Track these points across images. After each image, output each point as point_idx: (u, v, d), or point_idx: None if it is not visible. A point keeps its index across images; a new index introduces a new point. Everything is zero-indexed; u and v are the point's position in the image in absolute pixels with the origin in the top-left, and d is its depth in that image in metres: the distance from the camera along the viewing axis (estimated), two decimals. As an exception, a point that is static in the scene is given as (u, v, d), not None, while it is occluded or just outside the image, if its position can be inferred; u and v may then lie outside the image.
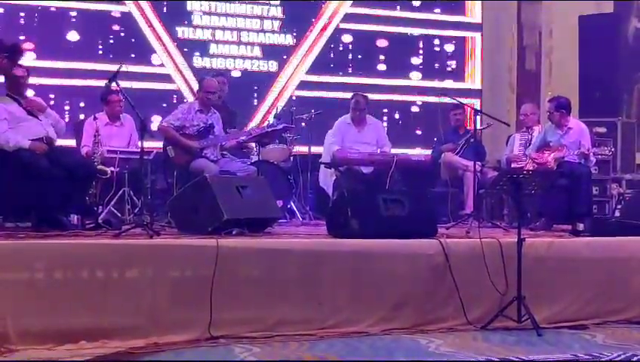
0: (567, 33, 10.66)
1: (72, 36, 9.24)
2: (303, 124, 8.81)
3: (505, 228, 6.82)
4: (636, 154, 10.13)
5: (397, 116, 10.57)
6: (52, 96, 8.80)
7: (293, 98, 9.91)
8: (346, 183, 7.81)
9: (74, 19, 9.25)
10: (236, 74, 9.76)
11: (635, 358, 4.44)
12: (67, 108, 9.08)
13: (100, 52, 9.30)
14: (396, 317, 5.13)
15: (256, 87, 9.93)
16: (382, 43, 10.51)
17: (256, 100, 9.91)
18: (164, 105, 9.30)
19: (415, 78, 10.63)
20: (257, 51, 9.93)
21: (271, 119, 8.95)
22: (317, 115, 8.77)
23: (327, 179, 8.46)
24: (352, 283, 5.10)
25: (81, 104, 8.99)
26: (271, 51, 9.99)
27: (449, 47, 10.87)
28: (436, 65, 10.80)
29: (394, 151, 8.43)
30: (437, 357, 4.39)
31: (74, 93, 9.14)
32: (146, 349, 4.41)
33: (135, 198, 7.07)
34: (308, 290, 4.99)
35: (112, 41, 9.40)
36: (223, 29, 9.81)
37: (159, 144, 7.33)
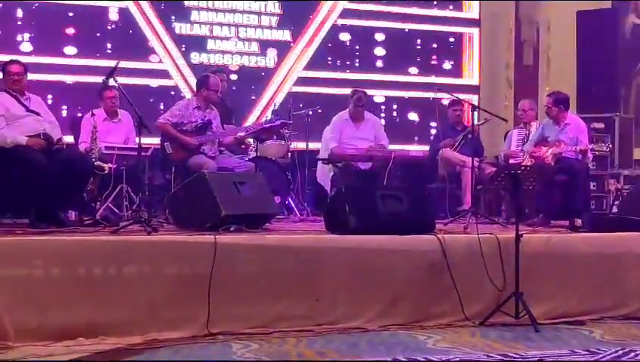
0: (565, 29, 10.67)
1: (70, 32, 9.22)
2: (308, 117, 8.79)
3: (503, 224, 6.82)
4: (634, 150, 10.14)
5: (395, 112, 10.56)
6: (50, 92, 8.77)
7: (291, 94, 9.90)
8: (343, 179, 7.81)
9: (72, 16, 9.23)
10: (234, 70, 9.74)
11: (632, 354, 4.44)
12: (65, 104, 9.07)
13: (98, 48, 9.28)
14: (394, 313, 5.13)
15: (253, 83, 9.92)
16: (379, 39, 10.51)
17: (253, 96, 9.90)
18: (162, 101, 9.28)
19: (413, 74, 10.63)
20: (255, 47, 9.93)
21: (269, 115, 8.94)
22: (315, 111, 8.78)
23: (325, 175, 8.47)
24: (349, 279, 5.11)
25: (79, 100, 8.96)
26: (269, 47, 9.98)
27: (447, 43, 10.86)
28: (434, 61, 10.80)
29: (391, 147, 8.43)
30: (435, 352, 4.40)
31: (72, 89, 9.13)
32: (144, 345, 4.42)
33: (133, 195, 7.06)
34: (306, 286, 4.99)
35: (109, 38, 9.39)
36: (221, 25, 9.80)
37: (157, 140, 7.32)
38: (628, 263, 5.77)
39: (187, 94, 9.09)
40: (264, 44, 9.95)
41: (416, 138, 10.48)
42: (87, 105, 7.90)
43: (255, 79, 9.93)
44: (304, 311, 4.94)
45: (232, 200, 5.65)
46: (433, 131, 9.80)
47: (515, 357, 4.32)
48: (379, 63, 10.47)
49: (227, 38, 9.80)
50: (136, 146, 6.16)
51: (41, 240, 4.72)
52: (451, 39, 10.88)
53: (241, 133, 7.68)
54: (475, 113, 7.38)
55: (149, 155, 7.30)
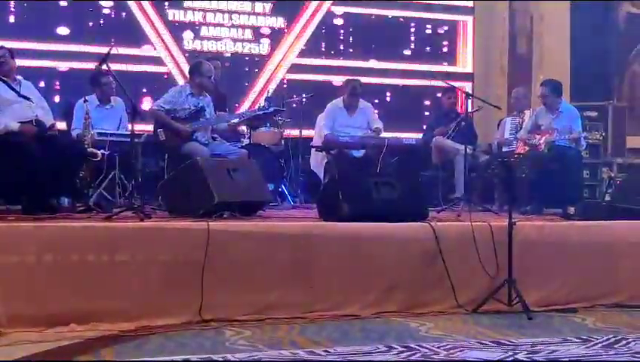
0: (559, 17, 10.65)
1: (63, 18, 9.18)
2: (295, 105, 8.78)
3: (496, 211, 6.83)
4: (627, 138, 10.15)
5: (388, 99, 10.55)
6: (42, 78, 8.74)
7: (285, 81, 9.88)
8: (337, 167, 7.80)
9: (65, 1, 9.18)
10: (227, 57, 9.72)
11: (624, 341, 4.46)
12: (57, 90, 9.04)
13: (91, 34, 9.24)
14: (387, 301, 5.13)
15: (247, 70, 9.90)
16: (374, 26, 10.48)
17: (247, 83, 9.88)
18: (155, 87, 9.25)
19: (407, 62, 10.60)
20: (248, 34, 9.89)
21: (262, 102, 8.92)
22: (308, 98, 8.77)
23: (318, 162, 8.46)
24: (343, 267, 5.10)
25: (72, 86, 8.93)
26: (262, 34, 9.94)
27: (441, 31, 10.85)
28: (428, 48, 10.78)
29: (385, 134, 8.42)
30: (428, 339, 4.40)
31: (64, 76, 9.09)
32: (137, 332, 4.41)
33: (126, 181, 7.03)
34: (299, 274, 4.99)
35: (102, 24, 9.35)
36: (214, 11, 9.77)
37: (150, 127, 7.30)
38: (620, 251, 5.78)
39: (180, 81, 9.06)
40: (257, 31, 9.92)
41: (409, 125, 10.46)
42: (80, 91, 7.86)
43: (248, 66, 9.91)
44: (297, 299, 4.94)
45: (225, 187, 5.64)
46: (427, 118, 9.79)
47: (507, 344, 4.33)
48: (373, 50, 10.44)
49: (221, 25, 9.77)
50: (129, 133, 6.13)
51: (33, 227, 4.70)
52: (445, 27, 10.86)
53: (235, 120, 7.65)
54: (469, 101, 7.37)
55: (142, 142, 7.29)
